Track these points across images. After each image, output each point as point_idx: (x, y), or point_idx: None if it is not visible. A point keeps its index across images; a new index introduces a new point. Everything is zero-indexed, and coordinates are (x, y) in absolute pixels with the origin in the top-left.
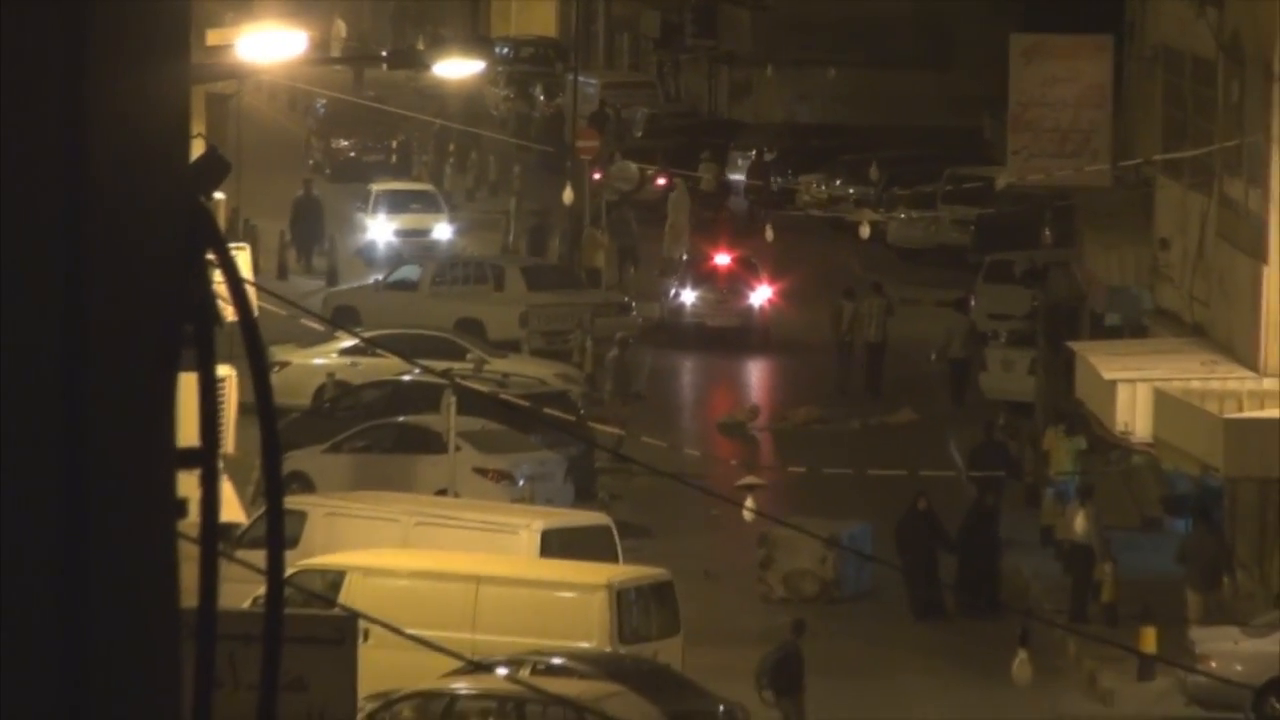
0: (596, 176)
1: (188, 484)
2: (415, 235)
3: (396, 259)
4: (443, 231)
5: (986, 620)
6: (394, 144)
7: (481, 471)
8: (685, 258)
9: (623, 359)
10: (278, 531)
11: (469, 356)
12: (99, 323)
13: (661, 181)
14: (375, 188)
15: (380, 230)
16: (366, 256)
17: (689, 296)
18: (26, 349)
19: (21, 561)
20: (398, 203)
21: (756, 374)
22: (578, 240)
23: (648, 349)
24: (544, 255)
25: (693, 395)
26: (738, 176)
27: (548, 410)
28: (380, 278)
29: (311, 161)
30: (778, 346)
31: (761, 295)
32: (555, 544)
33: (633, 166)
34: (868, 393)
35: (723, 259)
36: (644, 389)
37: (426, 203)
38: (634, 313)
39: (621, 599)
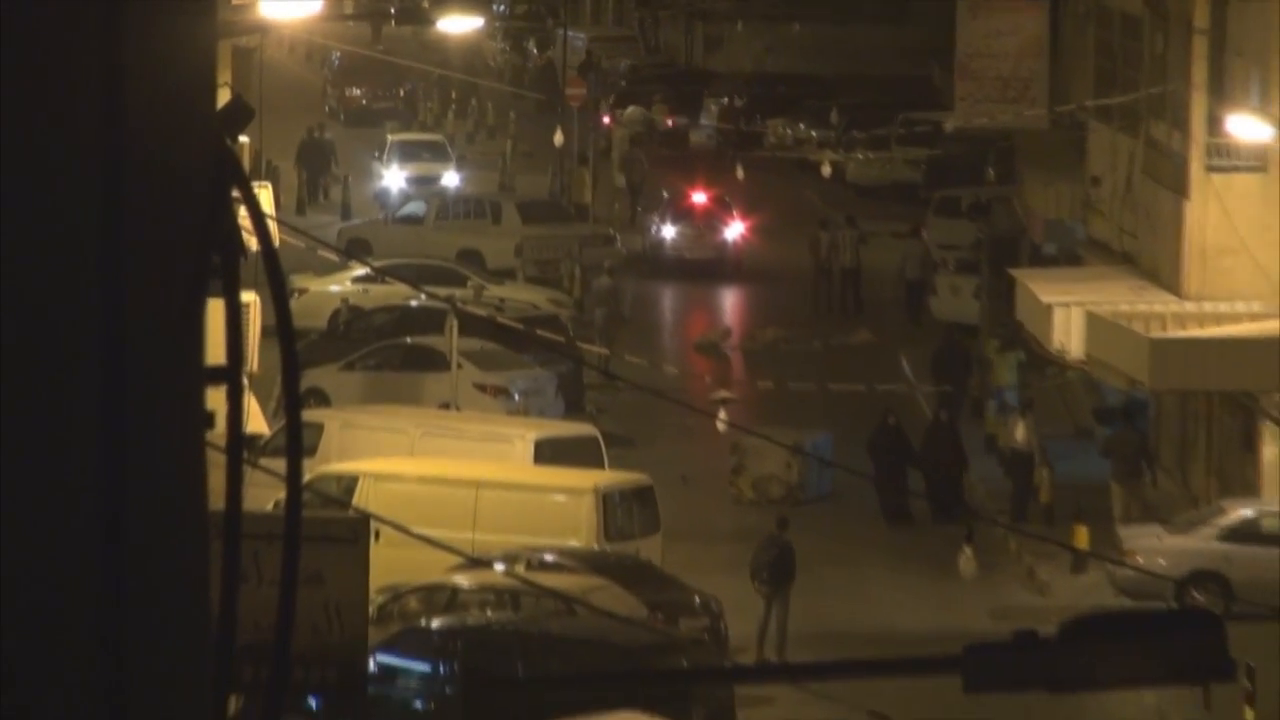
0: (606, 120)
1: (216, 399)
2: (426, 181)
3: (406, 199)
4: (450, 179)
5: (949, 525)
6: (401, 93)
7: (480, 387)
8: (666, 196)
9: (615, 286)
10: (296, 441)
11: (469, 283)
12: (135, 253)
13: (670, 123)
14: (390, 138)
15: (394, 177)
16: (382, 201)
17: (669, 231)
18: (70, 277)
19: (65, 468)
20: (410, 152)
21: (729, 300)
22: (570, 179)
23: (631, 277)
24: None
25: (672, 319)
26: (708, 122)
27: (540, 331)
28: (389, 213)
29: (327, 108)
30: (749, 276)
31: (735, 230)
32: (547, 452)
33: (642, 111)
34: (845, 313)
35: (699, 198)
36: (628, 313)
37: (436, 152)
38: (618, 244)
39: (607, 501)
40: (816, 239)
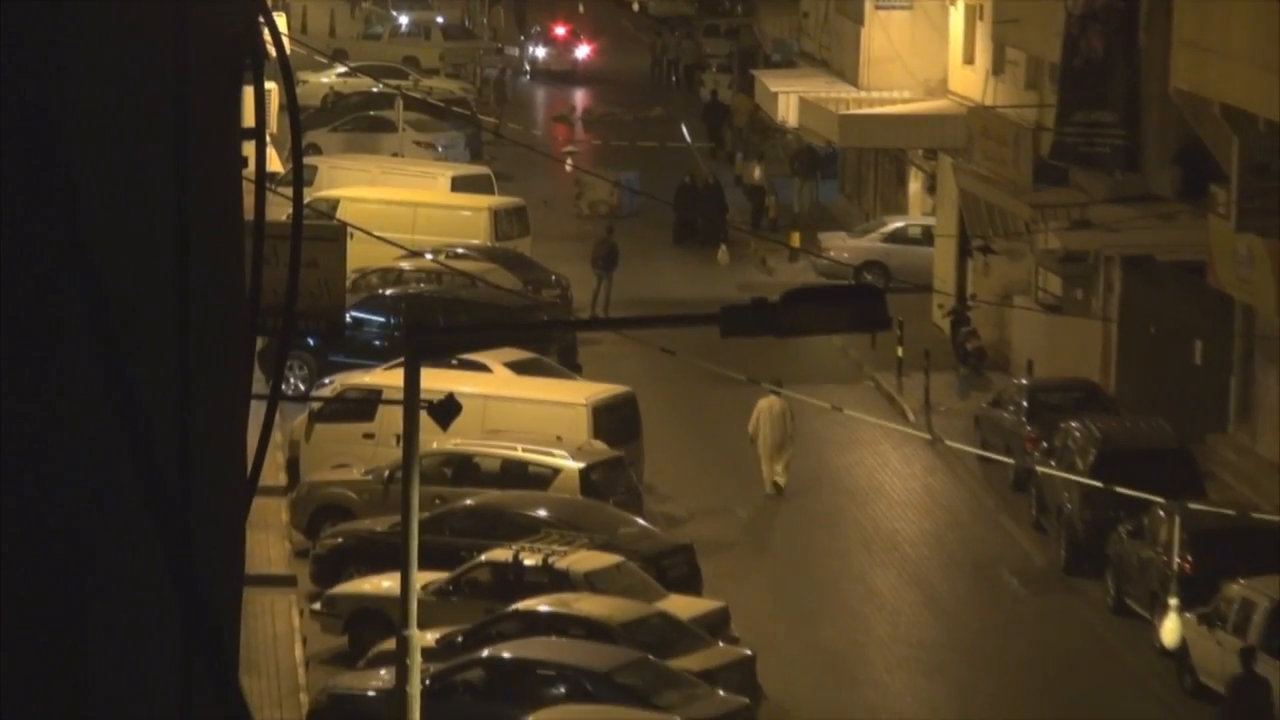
0: None
1: (247, 148)
2: (420, 21)
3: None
4: (439, 19)
5: (715, 244)
6: None
7: (417, 143)
8: (537, 29)
9: (501, 79)
10: (299, 176)
11: (410, 77)
12: (197, 58)
13: None
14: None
15: (402, 20)
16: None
17: (540, 51)
18: (154, 72)
19: (150, 188)
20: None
21: (578, 93)
22: (474, 10)
23: (514, 75)
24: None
25: (540, 102)
26: None
27: (455, 108)
28: (361, 31)
29: None
30: (590, 79)
31: (583, 50)
32: (459, 185)
33: None
34: (672, 89)
35: (560, 30)
36: (510, 97)
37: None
38: (505, 53)
39: (498, 215)
40: (654, 41)
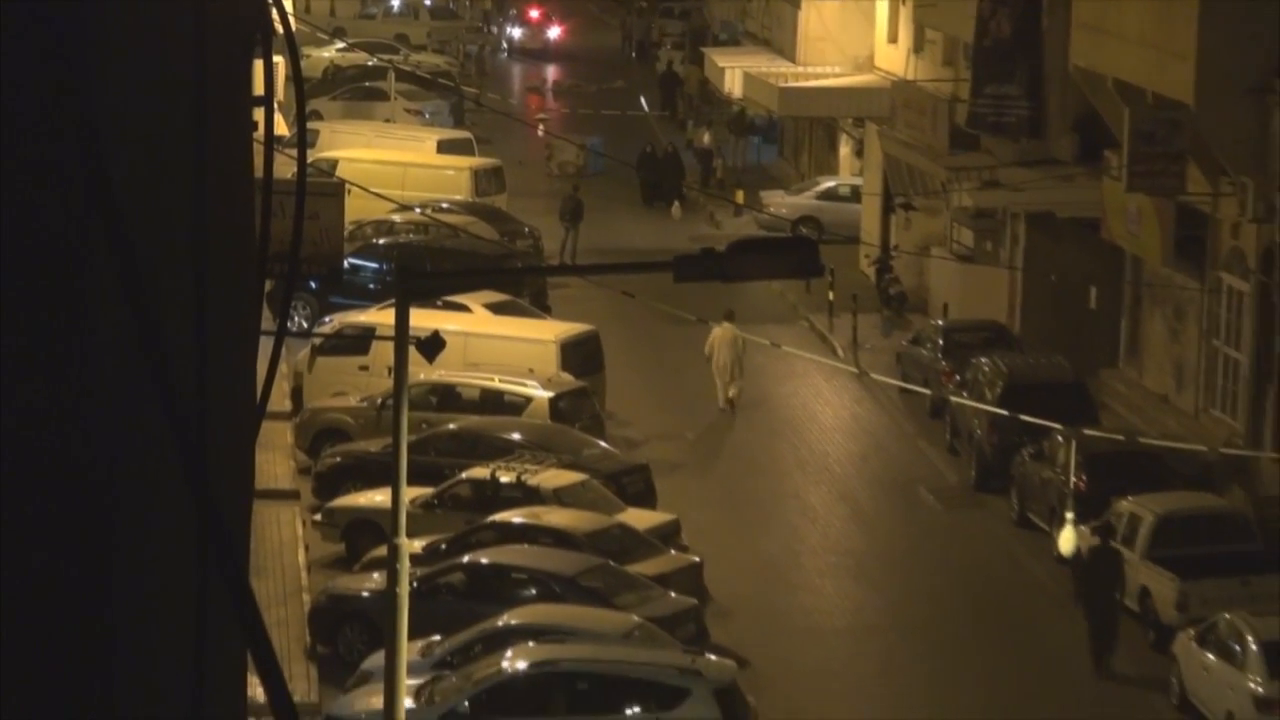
0: None
1: (257, 114)
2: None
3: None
4: (426, 2)
5: (669, 204)
6: None
7: (407, 110)
8: (514, 13)
9: (481, 55)
10: (303, 138)
11: (401, 52)
12: (214, 34)
13: None
14: None
15: (396, 1)
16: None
17: (516, 31)
18: (174, 46)
19: (170, 149)
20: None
21: (550, 68)
22: None
23: (492, 52)
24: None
25: (516, 76)
26: None
27: (440, 80)
28: (358, 11)
29: None
30: (561, 56)
31: (554, 31)
32: (444, 147)
33: None
34: (638, 60)
35: (534, 13)
36: (489, 70)
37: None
38: (484, 32)
39: (478, 174)
40: (624, 21)
